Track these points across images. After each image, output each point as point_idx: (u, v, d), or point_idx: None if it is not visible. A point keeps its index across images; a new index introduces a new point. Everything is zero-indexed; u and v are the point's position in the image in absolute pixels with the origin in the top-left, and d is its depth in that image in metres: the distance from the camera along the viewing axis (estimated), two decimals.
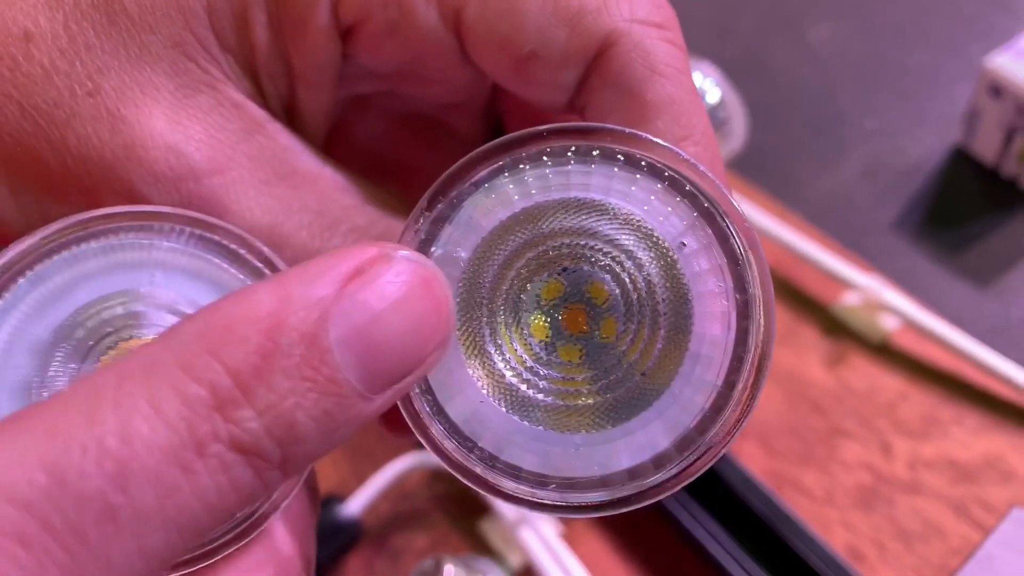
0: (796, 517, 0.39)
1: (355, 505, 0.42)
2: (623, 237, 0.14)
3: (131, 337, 0.16)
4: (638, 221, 0.14)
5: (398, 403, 0.14)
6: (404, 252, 0.13)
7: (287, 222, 0.17)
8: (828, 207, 0.53)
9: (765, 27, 0.64)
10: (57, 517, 0.10)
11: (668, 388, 0.14)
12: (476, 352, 0.14)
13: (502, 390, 0.14)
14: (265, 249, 0.16)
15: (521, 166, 0.14)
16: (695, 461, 0.13)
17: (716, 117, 0.41)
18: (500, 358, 0.14)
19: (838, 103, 0.58)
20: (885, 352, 0.45)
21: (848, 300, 0.46)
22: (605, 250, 0.14)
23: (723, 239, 0.14)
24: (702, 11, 0.66)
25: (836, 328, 0.46)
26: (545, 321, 0.14)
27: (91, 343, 0.15)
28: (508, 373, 0.14)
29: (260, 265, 0.16)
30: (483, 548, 0.42)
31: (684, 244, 0.14)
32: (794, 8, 0.65)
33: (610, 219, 0.14)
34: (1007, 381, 0.42)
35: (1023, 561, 0.25)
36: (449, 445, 0.14)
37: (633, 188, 0.14)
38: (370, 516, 0.44)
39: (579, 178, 0.14)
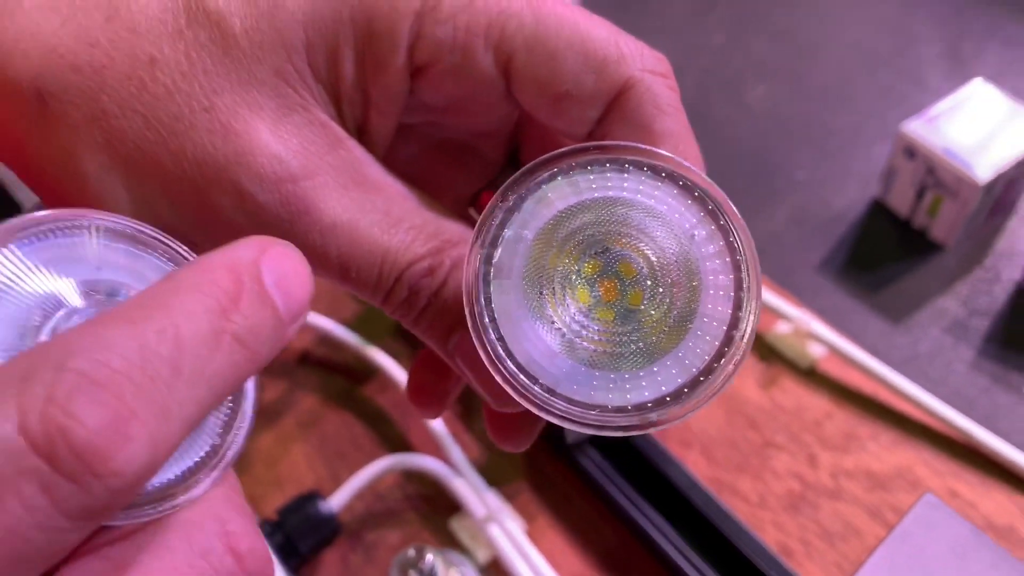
0: (735, 518, 0.43)
1: (333, 503, 0.45)
2: (649, 226, 0.18)
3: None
4: (661, 214, 0.18)
5: (479, 351, 0.18)
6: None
7: (362, 219, 0.21)
8: (761, 249, 0.58)
9: (707, 87, 0.70)
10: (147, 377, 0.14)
11: (682, 341, 0.18)
12: (538, 310, 0.18)
13: (556, 340, 0.18)
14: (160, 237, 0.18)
15: (572, 172, 0.18)
16: (700, 398, 0.18)
17: None
18: (555, 316, 0.18)
19: (771, 157, 0.64)
20: (812, 376, 0.50)
21: (780, 330, 0.51)
22: (634, 236, 0.18)
23: (725, 232, 0.18)
24: None
25: (770, 354, 0.51)
26: (587, 290, 0.18)
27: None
28: (561, 327, 0.18)
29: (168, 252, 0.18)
30: (453, 544, 0.45)
31: (695, 234, 0.18)
32: (733, 71, 0.71)
33: (639, 212, 0.18)
34: (916, 404, 0.47)
35: (932, 536, 0.30)
36: (518, 381, 0.18)
37: (656, 191, 0.18)
38: (346, 514, 0.46)
39: (616, 181, 0.18)
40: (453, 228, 0.22)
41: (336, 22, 0.21)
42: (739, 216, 0.18)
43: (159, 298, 0.15)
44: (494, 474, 0.47)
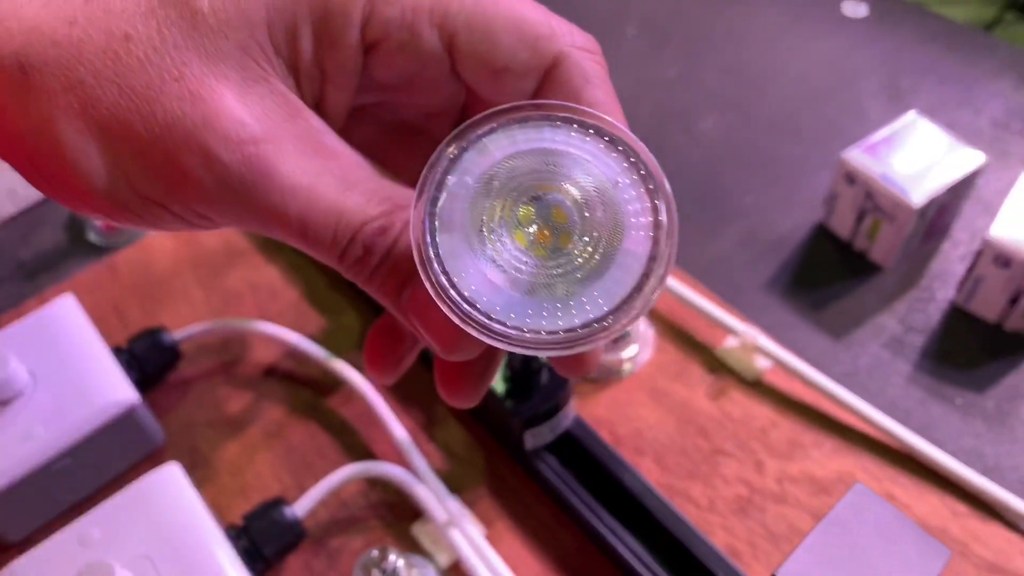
0: (686, 521, 0.45)
1: (298, 509, 0.46)
2: (577, 175, 0.21)
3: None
4: (588, 164, 0.21)
5: (426, 284, 0.20)
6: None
7: (319, 183, 0.22)
8: (711, 269, 0.61)
9: (661, 117, 0.73)
10: None
11: (608, 274, 0.20)
12: (479, 249, 0.20)
13: (496, 274, 0.20)
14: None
15: (509, 126, 0.21)
16: (624, 320, 0.20)
17: None
18: (495, 253, 0.20)
19: (721, 183, 0.67)
20: (758, 388, 0.52)
21: (729, 344, 0.54)
22: (565, 183, 0.21)
23: (645, 180, 0.20)
24: None
25: (719, 367, 0.53)
26: (523, 231, 0.20)
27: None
28: (500, 263, 0.20)
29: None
30: (415, 549, 0.46)
31: (618, 181, 0.20)
32: (685, 103, 0.74)
33: (568, 162, 0.20)
34: (856, 414, 0.50)
35: (861, 520, 0.32)
36: (461, 309, 0.20)
37: (584, 144, 0.20)
38: (310, 520, 0.47)
39: (548, 134, 0.20)
40: (404, 193, 0.24)
41: (295, 2, 0.23)
42: (658, 167, 0.20)
43: None
44: (455, 482, 0.48)
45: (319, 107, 0.24)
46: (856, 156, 0.58)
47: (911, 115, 0.61)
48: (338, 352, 0.54)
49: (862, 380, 0.54)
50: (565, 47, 0.24)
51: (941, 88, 0.73)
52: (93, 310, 0.56)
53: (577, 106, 0.21)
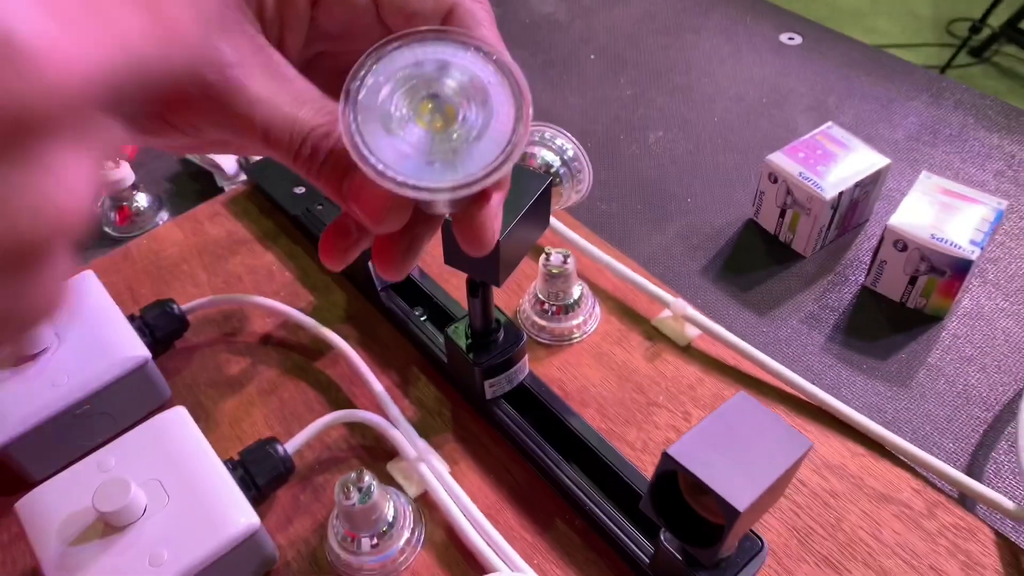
0: (623, 457, 0.52)
1: (289, 447, 0.53)
2: (462, 77, 0.27)
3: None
4: (469, 69, 0.28)
5: (352, 154, 0.26)
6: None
7: (278, 98, 0.29)
8: (654, 257, 0.69)
9: (616, 131, 0.82)
10: None
11: (481, 146, 0.27)
12: (392, 130, 0.27)
13: (405, 147, 0.27)
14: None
15: (412, 43, 0.28)
16: (492, 178, 0.26)
17: (572, 167, 0.57)
18: (403, 133, 0.27)
19: (666, 187, 0.75)
20: (689, 351, 0.60)
21: (664, 315, 0.62)
22: (453, 85, 0.28)
23: (510, 82, 0.27)
24: (573, 116, 0.83)
25: (655, 334, 0.61)
26: (423, 118, 0.27)
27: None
28: (407, 139, 0.27)
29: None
30: (390, 483, 0.54)
31: (490, 81, 0.27)
32: (638, 118, 0.83)
33: (455, 69, 0.27)
34: (773, 373, 0.58)
35: (740, 417, 0.39)
36: (380, 171, 0.26)
37: (467, 55, 0.28)
38: (298, 460, 0.55)
39: (441, 48, 0.28)
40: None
41: None
42: (520, 74, 0.28)
43: None
44: (425, 429, 0.56)
45: (279, 48, 0.32)
46: (778, 158, 0.67)
47: (828, 124, 0.70)
48: (326, 323, 0.61)
49: (781, 348, 0.62)
50: None
51: (863, 105, 0.82)
52: (108, 288, 0.63)
53: (462, 30, 0.29)
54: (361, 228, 0.32)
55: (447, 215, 0.30)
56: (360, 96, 0.27)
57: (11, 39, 0.16)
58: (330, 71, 0.34)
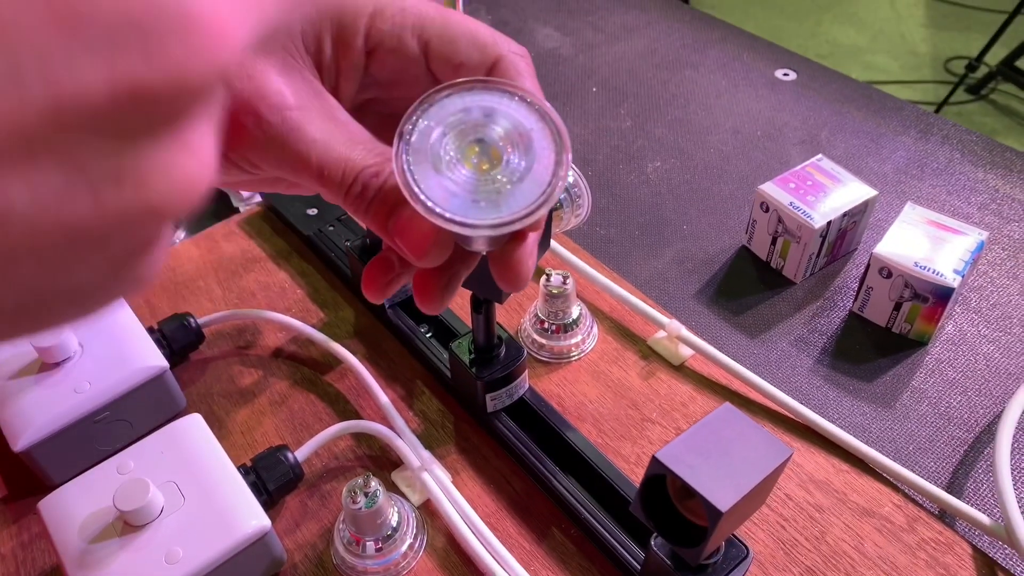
0: (618, 470, 0.55)
1: (298, 455, 0.56)
2: (507, 124, 0.30)
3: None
4: (514, 116, 0.30)
5: (403, 190, 0.28)
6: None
7: (333, 139, 0.31)
8: (650, 280, 0.72)
9: (616, 160, 0.85)
10: None
11: (524, 189, 0.29)
12: (440, 170, 0.29)
13: (452, 186, 0.29)
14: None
15: (462, 91, 0.30)
16: (531, 218, 0.28)
17: (573, 193, 0.60)
18: (451, 174, 0.29)
19: (663, 214, 0.78)
20: (682, 370, 0.63)
21: (659, 336, 0.65)
22: (499, 130, 0.30)
23: (552, 131, 0.29)
24: (575, 145, 0.85)
25: (650, 354, 0.64)
26: (470, 161, 0.29)
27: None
28: (455, 179, 0.29)
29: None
30: (394, 492, 0.56)
31: (533, 128, 0.29)
32: (636, 149, 0.87)
33: (501, 116, 0.30)
34: (763, 392, 0.60)
35: (724, 426, 0.42)
36: (428, 208, 0.28)
37: (511, 104, 0.30)
38: (307, 468, 0.57)
39: (488, 97, 0.30)
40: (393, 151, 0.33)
41: (320, 20, 0.33)
42: (561, 123, 0.30)
43: None
44: (428, 440, 0.59)
45: (335, 93, 0.34)
46: (769, 188, 0.70)
47: (818, 157, 0.73)
48: (335, 339, 0.64)
49: (771, 369, 0.64)
50: (504, 52, 0.35)
51: (854, 140, 0.85)
52: (129, 302, 0.66)
53: (507, 81, 0.31)
54: (403, 263, 0.34)
55: (484, 252, 0.33)
56: (412, 139, 0.29)
57: (189, 13, 0.15)
58: (380, 115, 0.36)
